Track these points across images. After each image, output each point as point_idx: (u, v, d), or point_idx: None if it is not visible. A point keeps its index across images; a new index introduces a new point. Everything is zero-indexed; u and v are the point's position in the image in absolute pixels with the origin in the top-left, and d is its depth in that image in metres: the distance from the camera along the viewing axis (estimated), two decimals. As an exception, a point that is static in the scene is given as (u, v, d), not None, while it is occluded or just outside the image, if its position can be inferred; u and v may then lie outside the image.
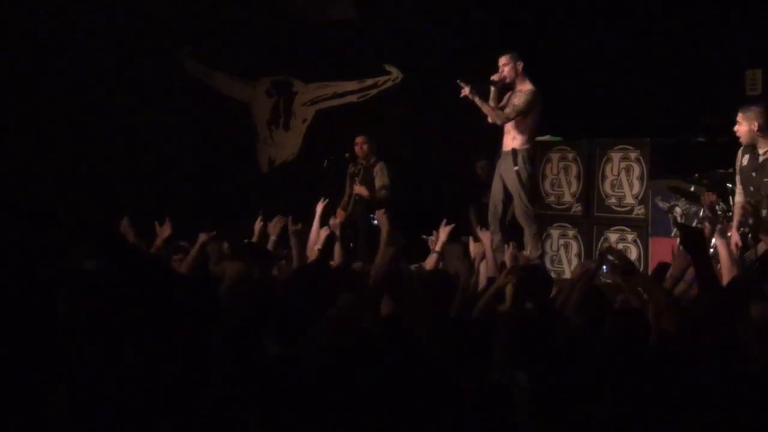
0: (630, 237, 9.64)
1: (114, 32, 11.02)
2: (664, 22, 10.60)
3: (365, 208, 10.13)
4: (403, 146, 11.25)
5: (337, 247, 6.43)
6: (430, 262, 6.47)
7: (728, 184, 7.77)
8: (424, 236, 6.79)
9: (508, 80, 8.52)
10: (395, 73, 12.09)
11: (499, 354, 3.80)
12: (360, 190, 10.22)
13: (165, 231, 6.43)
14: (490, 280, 5.45)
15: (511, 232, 8.53)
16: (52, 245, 4.87)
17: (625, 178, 9.75)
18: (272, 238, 6.70)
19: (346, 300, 4.47)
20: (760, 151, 6.90)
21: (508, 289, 4.93)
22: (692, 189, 8.49)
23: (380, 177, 10.23)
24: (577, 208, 10.17)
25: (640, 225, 9.55)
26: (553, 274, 8.90)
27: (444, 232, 6.48)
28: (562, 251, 10.23)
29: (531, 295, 4.99)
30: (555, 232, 10.29)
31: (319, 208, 7.58)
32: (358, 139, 10.39)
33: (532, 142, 8.63)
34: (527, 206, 8.54)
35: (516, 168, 8.47)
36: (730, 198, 7.68)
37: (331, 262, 6.07)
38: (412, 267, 6.53)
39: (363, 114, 11.79)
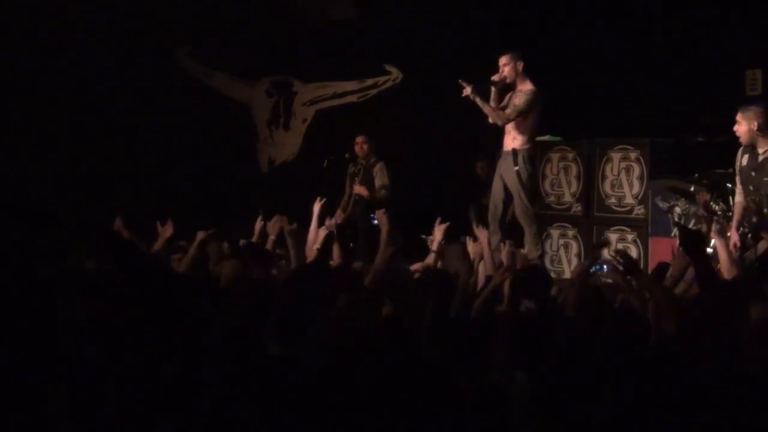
0: (630, 237, 9.64)
1: (114, 32, 11.02)
2: (664, 22, 10.60)
3: (365, 208, 10.13)
4: (403, 146, 11.25)
5: (336, 247, 6.43)
6: (428, 262, 6.47)
7: (728, 184, 7.77)
8: (423, 236, 6.79)
9: (508, 80, 8.51)
10: (395, 73, 12.09)
11: (499, 354, 3.80)
12: (360, 190, 10.22)
13: (167, 231, 6.43)
14: (488, 279, 5.45)
15: (511, 232, 8.52)
16: (52, 245, 4.87)
17: (625, 178, 9.75)
18: (271, 237, 6.70)
19: (345, 300, 4.47)
20: (760, 151, 6.89)
21: (506, 289, 4.93)
22: (692, 189, 8.48)
23: (380, 177, 10.22)
24: (577, 208, 10.17)
25: (639, 225, 9.55)
26: (553, 274, 8.91)
27: (439, 230, 6.48)
28: (562, 251, 10.23)
29: (531, 295, 4.99)
30: (555, 232, 10.29)
31: (317, 207, 7.59)
32: (359, 139, 10.39)
33: (533, 142, 8.63)
34: (527, 206, 8.54)
35: (516, 168, 8.47)
36: (730, 198, 7.68)
37: (331, 262, 6.08)
38: (412, 267, 6.53)
39: (363, 114, 11.79)
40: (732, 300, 3.99)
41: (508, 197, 8.62)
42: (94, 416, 3.41)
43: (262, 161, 12.29)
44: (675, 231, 8.63)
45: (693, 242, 4.47)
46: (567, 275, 9.24)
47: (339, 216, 10.16)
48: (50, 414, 3.44)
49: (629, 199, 9.71)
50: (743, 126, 6.90)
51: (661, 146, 9.61)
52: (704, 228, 6.47)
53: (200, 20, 11.42)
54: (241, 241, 7.10)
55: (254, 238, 6.99)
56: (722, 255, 6.13)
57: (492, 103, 8.51)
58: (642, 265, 9.01)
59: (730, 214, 7.41)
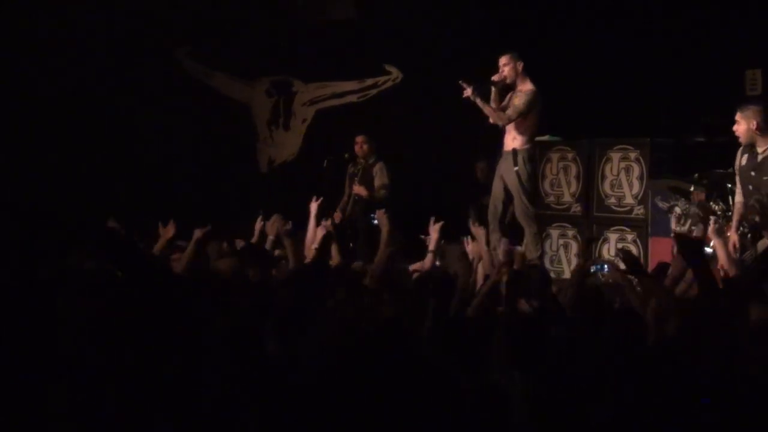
0: (630, 237, 9.64)
1: (114, 32, 11.03)
2: (664, 22, 10.60)
3: (364, 208, 10.13)
4: (403, 146, 11.25)
5: (334, 247, 6.43)
6: (427, 262, 6.47)
7: (728, 184, 7.77)
8: (423, 236, 6.79)
9: (508, 80, 8.51)
10: (395, 73, 12.09)
11: (499, 354, 3.80)
12: (359, 190, 10.22)
13: (168, 232, 6.43)
14: (487, 278, 5.45)
15: (511, 232, 8.53)
16: (52, 245, 4.88)
17: (624, 178, 9.74)
18: (270, 237, 6.71)
19: (345, 300, 4.48)
20: (759, 150, 6.89)
21: (504, 288, 4.93)
22: (692, 189, 8.48)
23: (379, 177, 10.23)
24: (577, 208, 10.17)
25: (639, 225, 9.55)
26: (552, 274, 8.90)
27: (434, 230, 6.48)
28: (561, 251, 10.23)
29: (530, 295, 4.99)
30: (554, 232, 10.29)
31: (313, 207, 7.59)
32: (359, 139, 10.39)
33: (533, 142, 8.63)
34: (527, 206, 8.54)
35: (516, 168, 8.47)
36: (730, 198, 7.68)
37: (330, 262, 6.08)
38: (411, 267, 6.53)
39: (363, 114, 11.79)
40: (732, 300, 3.99)
41: (508, 197, 8.62)
42: (94, 416, 3.41)
43: (262, 161, 12.29)
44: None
45: (693, 251, 4.48)
46: (567, 275, 9.23)
47: (337, 216, 10.18)
48: (50, 414, 3.44)
49: (629, 199, 9.71)
50: (742, 125, 6.90)
51: (661, 146, 9.61)
52: (700, 229, 6.46)
53: (200, 20, 11.42)
54: (238, 242, 7.10)
55: (254, 239, 6.99)
56: (721, 255, 6.13)
57: (492, 104, 8.51)
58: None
59: (730, 214, 7.40)
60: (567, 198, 10.27)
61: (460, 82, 8.36)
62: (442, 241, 6.79)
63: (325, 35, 11.73)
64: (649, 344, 3.98)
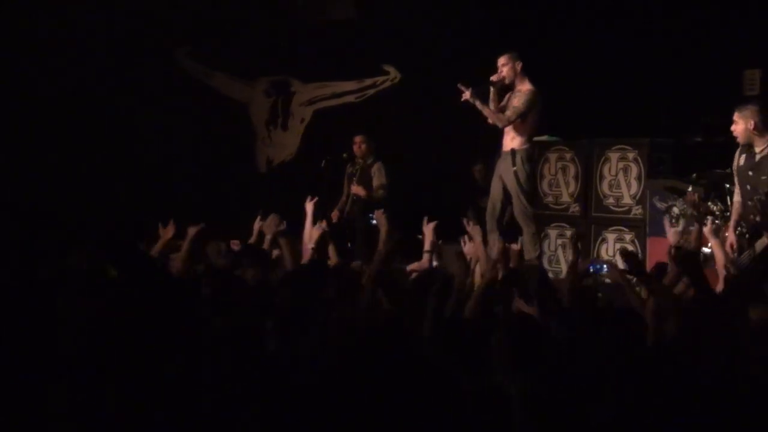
0: (628, 237, 9.64)
1: (114, 32, 11.04)
2: (664, 22, 10.61)
3: (363, 207, 10.12)
4: (403, 146, 11.25)
5: (331, 247, 6.44)
6: (424, 262, 6.47)
7: (726, 185, 7.77)
8: (420, 236, 6.79)
9: (507, 80, 8.51)
10: (393, 73, 12.09)
11: (499, 354, 3.80)
12: (357, 190, 10.22)
13: (168, 232, 6.44)
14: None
15: (509, 232, 8.53)
16: (52, 245, 4.88)
17: (622, 178, 9.75)
18: (268, 237, 6.71)
19: (345, 299, 4.48)
20: (757, 150, 6.89)
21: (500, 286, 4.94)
22: (690, 189, 8.49)
23: (378, 177, 10.23)
24: (575, 208, 10.17)
25: (638, 225, 9.55)
26: (551, 274, 8.90)
27: (428, 230, 6.48)
28: (559, 251, 10.23)
29: (530, 295, 4.99)
30: (553, 232, 10.29)
31: (309, 207, 7.58)
32: (357, 138, 10.39)
33: (531, 142, 8.63)
34: (526, 206, 8.54)
35: (514, 168, 8.47)
36: (728, 198, 7.68)
37: (329, 262, 6.09)
38: (408, 267, 6.53)
39: (361, 114, 11.79)
40: (732, 300, 4.00)
41: (506, 197, 8.62)
42: (94, 416, 3.41)
43: (261, 161, 12.30)
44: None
45: (692, 264, 4.49)
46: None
47: (335, 215, 10.19)
48: (50, 414, 3.44)
49: (627, 200, 9.71)
50: (740, 125, 6.90)
51: (659, 146, 9.61)
52: (696, 229, 6.46)
53: (200, 20, 11.43)
54: (233, 243, 7.12)
55: (252, 238, 7.00)
56: (718, 255, 6.13)
57: (491, 104, 8.50)
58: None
59: (728, 214, 7.41)
60: (565, 198, 10.27)
61: (459, 86, 8.35)
62: (440, 242, 6.79)
63: (324, 35, 11.73)
64: (649, 344, 3.98)
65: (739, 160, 7.03)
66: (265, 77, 12.22)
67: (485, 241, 6.38)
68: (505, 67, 8.49)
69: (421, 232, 6.78)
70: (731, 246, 6.77)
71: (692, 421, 3.22)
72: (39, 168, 10.37)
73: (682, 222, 8.48)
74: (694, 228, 6.55)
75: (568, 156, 10.25)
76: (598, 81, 10.66)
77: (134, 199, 10.46)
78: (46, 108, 10.61)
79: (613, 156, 9.84)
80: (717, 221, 7.26)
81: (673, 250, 5.31)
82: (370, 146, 10.37)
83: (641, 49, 10.65)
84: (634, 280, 5.34)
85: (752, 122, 6.83)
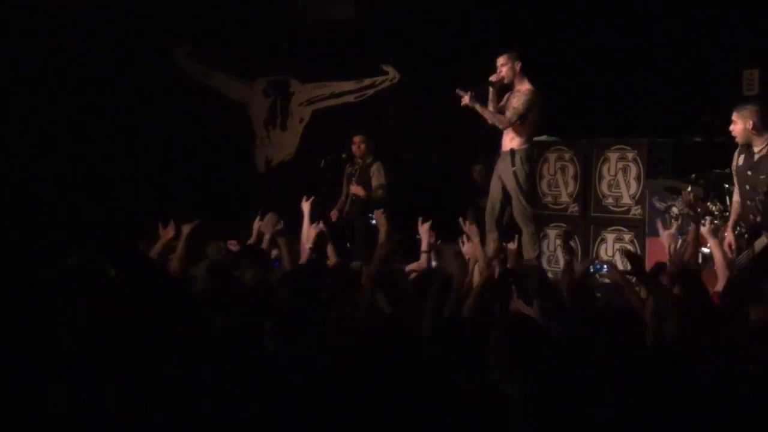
0: (627, 237, 9.64)
1: (114, 32, 11.04)
2: (664, 22, 10.60)
3: (362, 207, 10.12)
4: (402, 146, 11.25)
5: (330, 247, 6.44)
6: (422, 263, 6.48)
7: (726, 185, 7.77)
8: (419, 236, 6.79)
9: (506, 80, 8.50)
10: (392, 73, 12.09)
11: (497, 354, 3.81)
12: (356, 190, 10.22)
13: (168, 233, 6.45)
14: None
15: (509, 232, 8.52)
16: (52, 245, 4.89)
17: (622, 178, 9.74)
18: (266, 236, 6.72)
19: (344, 299, 4.49)
20: (756, 150, 6.88)
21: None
22: (689, 189, 8.48)
23: (377, 177, 10.22)
24: (574, 209, 10.16)
25: (637, 225, 9.55)
26: (550, 274, 8.89)
27: (423, 230, 6.48)
28: (558, 251, 10.21)
29: (529, 295, 5.00)
30: (552, 233, 10.29)
31: (306, 206, 7.59)
32: (356, 138, 10.39)
33: (531, 142, 8.62)
34: (525, 206, 8.54)
35: (513, 168, 8.47)
36: (727, 198, 7.68)
37: (328, 262, 6.09)
38: (407, 267, 6.53)
39: (361, 114, 11.79)
40: (732, 300, 4.00)
41: (506, 197, 8.62)
42: (94, 416, 3.41)
43: (260, 161, 12.30)
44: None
45: (693, 281, 4.51)
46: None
47: (334, 215, 10.19)
48: (50, 414, 3.45)
49: (626, 200, 9.70)
50: (739, 125, 6.90)
51: (659, 146, 9.61)
52: (693, 228, 6.45)
53: (200, 20, 11.43)
54: (230, 243, 7.12)
55: (252, 238, 7.00)
56: (716, 255, 6.13)
57: (490, 105, 8.50)
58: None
59: (727, 214, 7.41)
60: (564, 198, 10.26)
61: (457, 91, 8.34)
62: (439, 242, 6.78)
63: (324, 35, 11.73)
64: (649, 344, 3.99)
65: (738, 160, 7.02)
66: (264, 77, 12.22)
67: (483, 241, 6.37)
68: (504, 67, 8.48)
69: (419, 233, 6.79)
70: (730, 246, 6.77)
71: (692, 421, 3.23)
72: (39, 168, 10.38)
73: (679, 222, 8.47)
74: (691, 228, 6.54)
75: (567, 156, 10.25)
76: (597, 81, 10.66)
77: (134, 199, 10.46)
78: (46, 108, 10.61)
79: (613, 156, 9.83)
80: (716, 221, 7.26)
81: (671, 268, 5.29)
82: (369, 146, 10.36)
83: (641, 49, 10.65)
84: (634, 280, 5.35)
85: (751, 122, 6.83)
